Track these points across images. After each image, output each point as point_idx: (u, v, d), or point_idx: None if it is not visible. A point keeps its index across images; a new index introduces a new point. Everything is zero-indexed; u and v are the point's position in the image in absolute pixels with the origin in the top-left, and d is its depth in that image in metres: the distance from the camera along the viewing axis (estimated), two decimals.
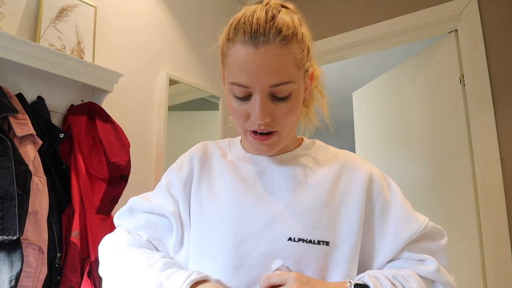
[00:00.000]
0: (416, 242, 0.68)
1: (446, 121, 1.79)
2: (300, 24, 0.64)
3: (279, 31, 0.59)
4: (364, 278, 0.62)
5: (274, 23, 0.60)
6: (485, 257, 1.52)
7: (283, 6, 0.65)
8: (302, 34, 0.64)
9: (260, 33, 0.59)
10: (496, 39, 1.59)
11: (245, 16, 0.62)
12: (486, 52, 1.60)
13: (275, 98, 0.62)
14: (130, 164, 1.35)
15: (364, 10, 1.96)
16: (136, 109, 1.65)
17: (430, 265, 0.65)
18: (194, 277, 0.59)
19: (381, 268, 0.68)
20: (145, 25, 1.74)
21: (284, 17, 0.61)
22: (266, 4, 0.64)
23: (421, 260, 0.67)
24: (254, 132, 0.65)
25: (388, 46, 1.95)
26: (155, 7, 1.80)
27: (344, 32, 2.00)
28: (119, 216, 0.78)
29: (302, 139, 0.78)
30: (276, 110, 0.63)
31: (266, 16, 0.60)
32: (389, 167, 2.19)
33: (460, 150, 1.69)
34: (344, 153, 0.75)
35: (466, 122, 1.65)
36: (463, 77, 1.67)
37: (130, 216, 0.76)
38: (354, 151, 2.59)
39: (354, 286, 0.60)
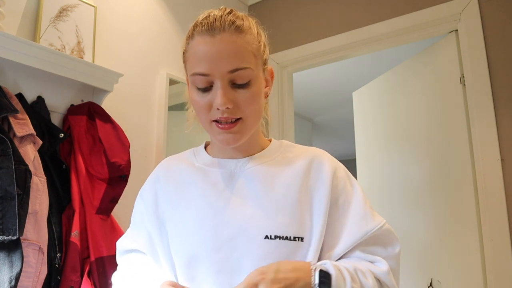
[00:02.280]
0: (369, 245, 0.69)
1: (446, 121, 1.79)
2: (254, 24, 0.70)
3: (233, 22, 0.64)
4: (327, 265, 0.62)
5: (228, 16, 0.65)
6: (485, 257, 1.52)
7: (247, 15, 0.71)
8: (258, 31, 0.69)
9: (216, 25, 0.64)
10: (497, 39, 1.59)
11: (202, 16, 0.67)
12: (486, 52, 1.59)
13: (235, 85, 0.65)
14: (130, 164, 1.35)
15: (364, 10, 1.96)
16: (136, 109, 1.65)
17: (381, 267, 0.66)
18: None
19: (335, 259, 0.69)
20: (145, 25, 1.74)
21: (238, 13, 0.68)
22: (221, 8, 0.69)
23: (372, 261, 0.68)
24: (218, 122, 0.66)
25: (388, 46, 1.95)
26: (155, 7, 1.80)
27: (344, 32, 2.00)
28: (117, 256, 0.84)
29: (271, 141, 0.79)
30: (237, 97, 0.65)
31: (223, 12, 0.66)
32: (389, 167, 2.19)
33: (460, 150, 1.69)
34: (312, 150, 0.77)
35: (466, 122, 1.65)
36: (464, 77, 1.67)
37: (120, 256, 0.83)
38: (354, 151, 2.60)
39: (319, 271, 0.60)
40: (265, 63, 0.71)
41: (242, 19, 0.66)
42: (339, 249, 0.68)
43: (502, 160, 1.51)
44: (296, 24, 2.19)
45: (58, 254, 1.15)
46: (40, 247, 1.07)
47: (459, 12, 1.67)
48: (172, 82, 1.77)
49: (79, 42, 1.39)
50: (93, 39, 1.44)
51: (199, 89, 0.66)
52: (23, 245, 1.00)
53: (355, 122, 2.59)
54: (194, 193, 0.72)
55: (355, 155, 2.54)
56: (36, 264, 1.05)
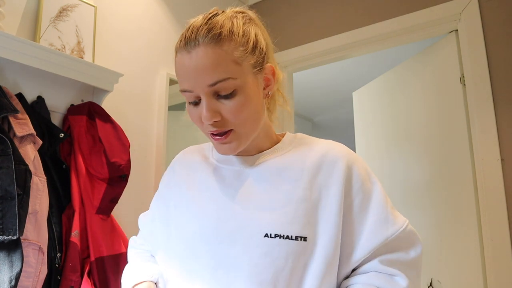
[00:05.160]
0: (390, 252, 0.66)
1: (446, 121, 1.79)
2: (244, 24, 0.66)
3: (208, 31, 0.61)
4: None
5: (206, 25, 0.62)
6: (485, 257, 1.52)
7: (237, 12, 0.67)
8: (244, 32, 0.64)
9: (192, 38, 0.62)
10: (497, 39, 1.59)
11: (187, 25, 0.65)
12: (486, 52, 1.59)
13: (220, 97, 0.63)
14: (130, 164, 1.35)
15: (364, 10, 1.96)
16: (136, 109, 1.65)
17: (400, 283, 0.64)
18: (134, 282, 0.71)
19: (354, 267, 0.67)
20: (145, 25, 1.74)
21: (219, 19, 0.63)
22: (211, 12, 0.66)
23: (392, 275, 0.65)
24: (213, 133, 0.66)
25: (388, 46, 1.95)
26: (155, 7, 1.80)
27: (344, 32, 2.00)
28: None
29: (284, 135, 0.77)
30: (223, 108, 0.63)
31: (202, 21, 0.63)
32: (389, 167, 2.18)
33: (460, 150, 1.69)
34: (327, 143, 0.72)
35: (466, 122, 1.65)
36: (464, 77, 1.67)
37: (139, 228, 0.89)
38: (354, 151, 2.60)
39: None
40: (257, 65, 0.66)
41: (221, 24, 0.62)
42: (357, 255, 0.65)
43: (502, 160, 1.51)
44: (296, 24, 2.19)
45: (58, 254, 1.15)
46: (40, 247, 1.06)
47: (459, 12, 1.67)
48: (172, 82, 1.77)
49: (79, 42, 1.39)
50: (93, 39, 1.44)
51: (190, 103, 0.66)
52: (23, 245, 1.00)
53: (355, 122, 2.59)
54: (201, 187, 0.73)
55: None
56: (36, 264, 1.05)
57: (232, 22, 0.64)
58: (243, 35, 0.64)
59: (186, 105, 0.68)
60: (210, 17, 0.64)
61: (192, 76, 0.62)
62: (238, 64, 0.63)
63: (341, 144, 0.73)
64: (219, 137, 0.65)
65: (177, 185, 0.77)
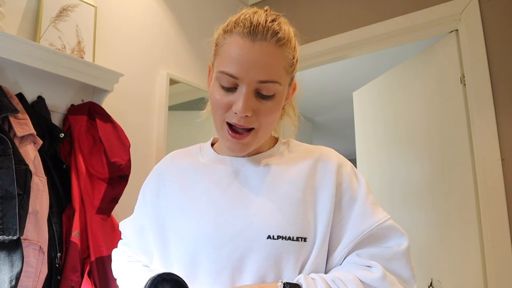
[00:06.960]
0: (369, 246, 0.66)
1: (447, 121, 1.79)
2: (294, 35, 0.68)
3: (277, 32, 0.63)
4: (299, 279, 0.61)
5: (273, 25, 0.63)
6: (485, 257, 1.52)
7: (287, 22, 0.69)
8: (295, 44, 0.68)
9: (259, 30, 0.62)
10: (497, 38, 1.59)
11: (246, 14, 0.65)
12: (486, 51, 1.59)
13: (259, 95, 0.65)
14: (130, 164, 1.35)
15: (364, 9, 1.96)
16: (136, 109, 1.65)
17: (375, 272, 0.62)
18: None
19: (338, 262, 0.68)
20: (145, 25, 1.74)
21: (282, 23, 0.66)
22: (266, 10, 0.67)
23: (368, 266, 0.65)
24: (231, 127, 0.66)
25: (388, 46, 1.95)
26: (156, 7, 1.80)
27: (344, 32, 2.00)
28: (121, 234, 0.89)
29: (277, 139, 0.79)
30: (258, 107, 0.65)
31: (266, 17, 0.64)
32: (389, 167, 2.19)
33: (460, 150, 1.69)
34: (319, 149, 0.76)
35: (466, 122, 1.65)
36: (464, 77, 1.67)
37: (122, 236, 0.88)
38: (354, 151, 2.60)
39: (284, 284, 0.60)
40: (292, 77, 0.70)
41: (284, 30, 0.65)
42: (341, 248, 0.67)
43: (502, 160, 1.51)
44: (296, 24, 2.18)
45: (59, 254, 1.15)
46: (40, 247, 1.06)
47: (459, 12, 1.68)
48: (172, 82, 1.77)
49: (79, 42, 1.39)
50: (94, 39, 1.44)
51: (222, 87, 0.65)
52: (23, 245, 1.00)
53: (355, 122, 2.59)
54: (198, 190, 0.72)
55: (355, 155, 2.54)
56: (36, 264, 1.05)
57: (289, 30, 0.67)
58: (294, 47, 0.67)
59: (214, 87, 0.67)
60: (274, 19, 0.65)
61: (247, 65, 0.62)
62: (286, 72, 0.66)
63: (331, 149, 0.77)
64: (238, 135, 0.66)
65: (170, 191, 0.75)
